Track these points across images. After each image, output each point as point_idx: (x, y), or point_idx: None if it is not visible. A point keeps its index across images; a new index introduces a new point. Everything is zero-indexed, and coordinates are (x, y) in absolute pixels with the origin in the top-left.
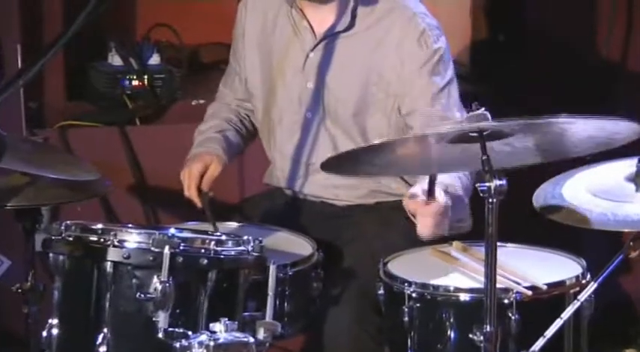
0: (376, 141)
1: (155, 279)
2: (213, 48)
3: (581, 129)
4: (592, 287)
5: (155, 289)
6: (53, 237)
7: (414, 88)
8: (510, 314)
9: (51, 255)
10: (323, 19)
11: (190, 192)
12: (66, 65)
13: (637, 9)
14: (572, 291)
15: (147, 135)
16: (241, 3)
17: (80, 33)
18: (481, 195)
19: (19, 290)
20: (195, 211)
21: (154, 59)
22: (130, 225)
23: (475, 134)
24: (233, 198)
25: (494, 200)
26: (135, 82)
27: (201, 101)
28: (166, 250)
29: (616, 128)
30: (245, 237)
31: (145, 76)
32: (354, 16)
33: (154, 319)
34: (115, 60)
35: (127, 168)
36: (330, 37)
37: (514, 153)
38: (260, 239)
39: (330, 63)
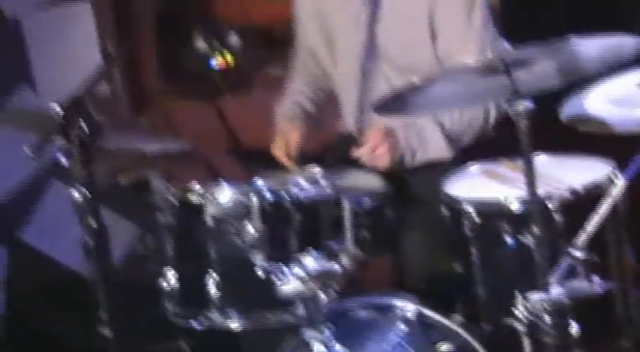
0: (415, 80)
1: (249, 226)
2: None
3: (591, 48)
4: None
5: (251, 234)
6: (161, 201)
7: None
8: (556, 217)
9: (161, 216)
10: None
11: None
12: (158, 51)
13: None
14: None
15: (237, 107)
16: None
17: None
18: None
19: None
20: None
21: (233, 39)
22: (222, 182)
23: (501, 65)
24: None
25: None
26: (220, 61)
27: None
28: (255, 199)
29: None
30: (321, 179)
31: (228, 55)
32: None
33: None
34: (200, 42)
35: (224, 135)
36: None
37: (536, 79)
38: (335, 178)
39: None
